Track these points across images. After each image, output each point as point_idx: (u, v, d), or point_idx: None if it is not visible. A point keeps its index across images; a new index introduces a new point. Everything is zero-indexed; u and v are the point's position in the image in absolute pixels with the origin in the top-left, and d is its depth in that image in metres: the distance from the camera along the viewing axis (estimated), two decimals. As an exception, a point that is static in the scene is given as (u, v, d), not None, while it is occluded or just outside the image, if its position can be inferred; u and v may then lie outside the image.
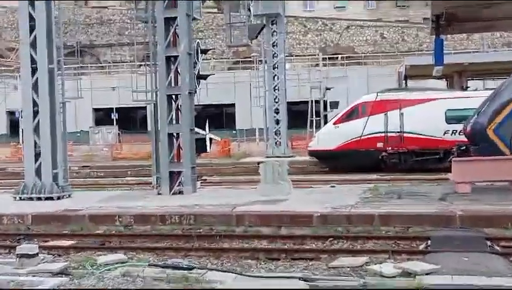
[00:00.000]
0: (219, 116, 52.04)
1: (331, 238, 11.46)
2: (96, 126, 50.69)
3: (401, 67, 35.40)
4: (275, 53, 34.49)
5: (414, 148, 26.25)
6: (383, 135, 26.50)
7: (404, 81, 34.85)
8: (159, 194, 17.28)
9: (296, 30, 60.80)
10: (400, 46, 59.95)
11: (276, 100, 34.55)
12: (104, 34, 64.07)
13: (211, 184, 21.63)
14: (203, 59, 18.57)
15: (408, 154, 26.41)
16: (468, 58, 32.46)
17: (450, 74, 32.16)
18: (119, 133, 47.73)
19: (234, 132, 48.75)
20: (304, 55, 59.12)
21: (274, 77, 34.62)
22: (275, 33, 34.41)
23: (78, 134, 48.14)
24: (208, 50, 21.70)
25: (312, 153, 28.19)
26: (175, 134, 17.59)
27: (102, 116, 54.68)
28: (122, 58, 62.33)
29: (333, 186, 18.79)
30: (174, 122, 17.51)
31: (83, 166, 32.79)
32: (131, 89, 19.20)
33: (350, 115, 27.23)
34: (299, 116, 43.82)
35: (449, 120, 26.20)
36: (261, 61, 39.81)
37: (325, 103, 41.44)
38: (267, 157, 32.22)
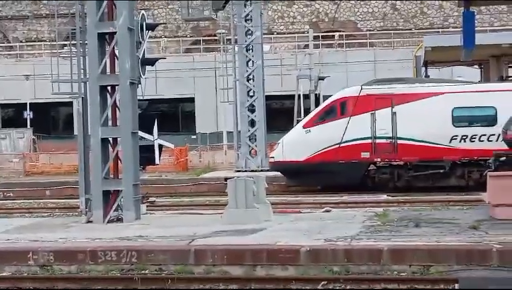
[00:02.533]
0: (173, 116, 51.94)
1: (324, 282, 11.53)
2: (3, 128, 50.22)
3: (419, 50, 35.73)
4: (249, 30, 34.58)
5: (411, 159, 26.61)
6: (369, 141, 26.78)
7: (423, 68, 35.21)
8: (89, 222, 17.21)
9: (278, -2, 61.10)
10: (417, 21, 60.55)
11: (251, 94, 34.61)
12: (14, 3, 63.61)
13: (161, 208, 21.58)
14: (150, 37, 18.53)
15: (403, 168, 26.77)
16: (508, 38, 32.82)
17: (484, 58, 32.55)
18: (34, 139, 47.34)
19: (193, 137, 48.70)
20: (289, 33, 59.35)
21: (248, 63, 34.68)
22: (248, 3, 34.52)
23: (-23, 140, 47.62)
24: (158, 25, 21.76)
25: (275, 166, 28.39)
26: (111, 139, 17.54)
27: (10, 115, 54.19)
28: (39, 35, 61.93)
29: (328, 211, 18.94)
30: (109, 123, 17.45)
31: (-16, 184, 32.57)
32: (51, 78, 19.10)
33: (325, 115, 27.44)
34: (282, 115, 43.93)
35: (457, 122, 26.58)
36: (229, 40, 39.86)
37: (317, 97, 41.64)
38: (238, 171, 32.25)
